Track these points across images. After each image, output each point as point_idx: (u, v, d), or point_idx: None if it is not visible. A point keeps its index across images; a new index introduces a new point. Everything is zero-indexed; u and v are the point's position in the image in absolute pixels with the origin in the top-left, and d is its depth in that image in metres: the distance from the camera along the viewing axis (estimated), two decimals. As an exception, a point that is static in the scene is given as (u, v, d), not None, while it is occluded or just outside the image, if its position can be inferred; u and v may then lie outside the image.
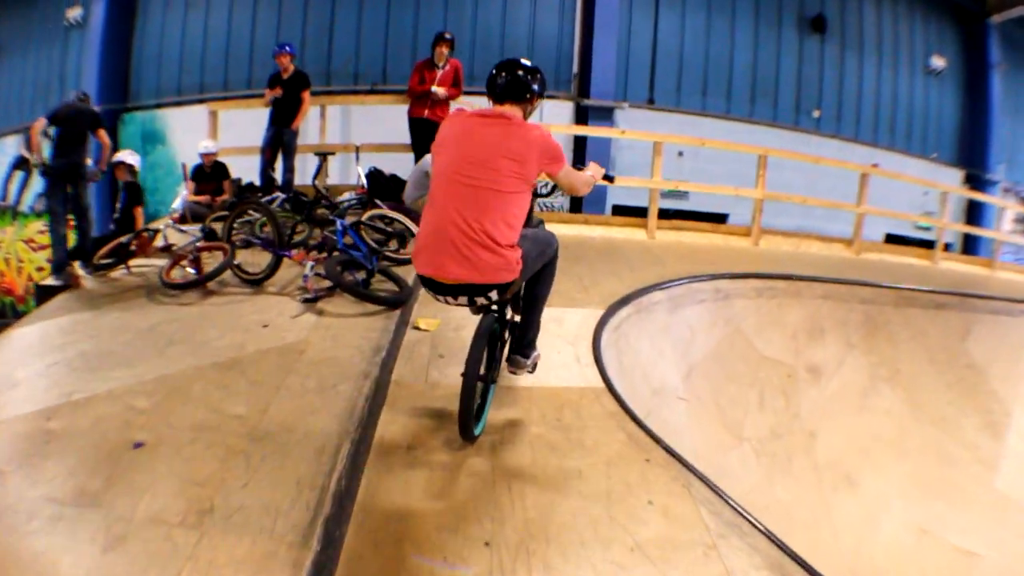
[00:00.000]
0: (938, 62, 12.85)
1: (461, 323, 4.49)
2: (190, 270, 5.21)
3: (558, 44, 11.44)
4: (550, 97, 11.03)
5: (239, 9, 11.05)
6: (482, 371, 2.96)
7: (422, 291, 5.32)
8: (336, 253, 5.01)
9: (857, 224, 9.06)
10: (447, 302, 2.95)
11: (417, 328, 4.43)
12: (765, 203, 8.73)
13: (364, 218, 5.73)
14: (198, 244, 5.40)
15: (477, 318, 3.03)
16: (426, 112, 7.30)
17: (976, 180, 12.79)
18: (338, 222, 5.25)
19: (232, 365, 3.69)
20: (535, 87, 2.92)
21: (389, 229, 5.72)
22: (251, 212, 5.84)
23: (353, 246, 5.13)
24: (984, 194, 11.82)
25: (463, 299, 2.90)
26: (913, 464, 6.92)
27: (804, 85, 12.61)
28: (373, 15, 10.83)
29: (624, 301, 5.23)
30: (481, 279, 2.77)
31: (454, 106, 7.58)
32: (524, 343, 3.29)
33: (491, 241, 2.72)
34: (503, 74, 2.89)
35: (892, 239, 11.99)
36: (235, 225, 5.61)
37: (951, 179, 12.80)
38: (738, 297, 6.53)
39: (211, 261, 5.28)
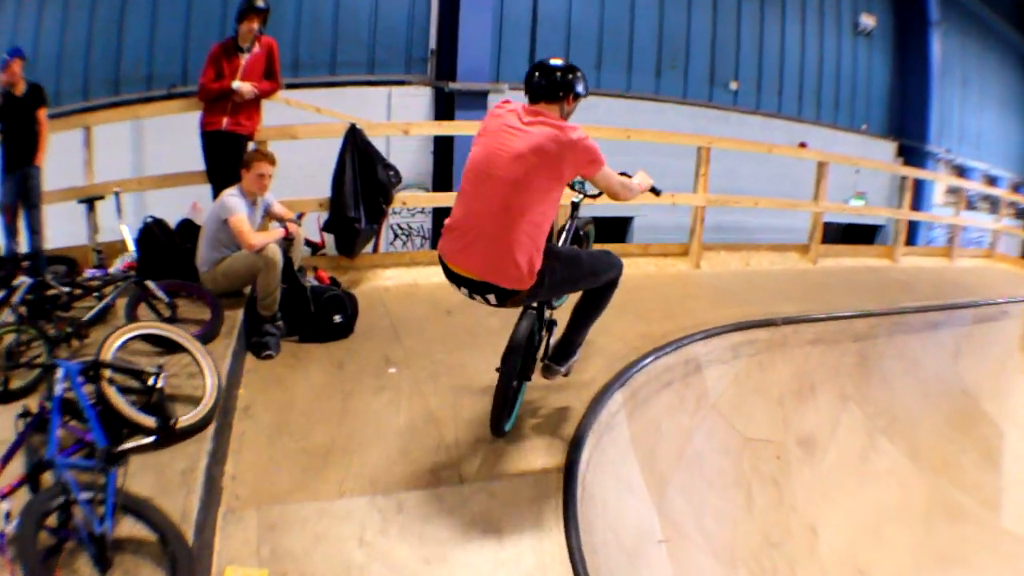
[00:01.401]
0: (868, 21, 11.49)
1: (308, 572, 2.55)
2: None
3: (409, 14, 9.07)
4: (398, 83, 8.83)
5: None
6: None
7: (227, 513, 2.77)
8: (46, 478, 2.40)
9: (814, 225, 7.54)
10: (457, 287, 2.92)
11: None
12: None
13: (109, 354, 3.06)
14: None
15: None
16: (225, 121, 4.83)
17: (911, 152, 11.63)
18: (60, 370, 2.68)
19: None
20: (578, 87, 2.90)
21: (153, 372, 3.01)
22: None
23: (79, 428, 2.64)
24: (923, 170, 10.66)
25: (464, 290, 2.90)
26: (922, 531, 5.83)
27: (719, 53, 11.02)
28: (171, -1, 8.01)
29: (579, 441, 3.27)
30: (486, 277, 2.78)
31: (272, 108, 5.20)
32: (564, 352, 3.27)
33: (510, 240, 2.70)
34: (536, 75, 2.88)
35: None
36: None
37: (883, 152, 11.69)
38: (711, 364, 4.82)
39: None
